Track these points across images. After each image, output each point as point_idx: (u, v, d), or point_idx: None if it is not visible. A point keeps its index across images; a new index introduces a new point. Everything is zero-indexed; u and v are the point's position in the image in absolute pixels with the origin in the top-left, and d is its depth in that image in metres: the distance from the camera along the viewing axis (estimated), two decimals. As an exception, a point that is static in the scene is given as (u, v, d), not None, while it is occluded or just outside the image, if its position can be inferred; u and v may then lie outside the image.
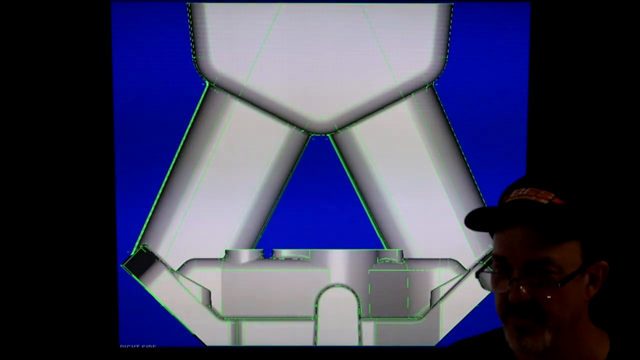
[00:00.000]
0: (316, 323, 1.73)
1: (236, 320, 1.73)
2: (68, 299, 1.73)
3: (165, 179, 1.69)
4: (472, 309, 1.72)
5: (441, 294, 1.73)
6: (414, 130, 1.68)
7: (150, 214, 1.69)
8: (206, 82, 1.67)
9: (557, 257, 0.82)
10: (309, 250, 1.71)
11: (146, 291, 1.72)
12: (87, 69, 1.65)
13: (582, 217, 0.83)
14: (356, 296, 1.73)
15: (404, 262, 1.72)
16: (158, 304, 1.72)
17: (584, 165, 1.68)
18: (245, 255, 1.72)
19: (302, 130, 1.69)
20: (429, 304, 1.73)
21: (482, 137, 1.68)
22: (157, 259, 1.71)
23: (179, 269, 1.72)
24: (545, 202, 0.83)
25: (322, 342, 1.74)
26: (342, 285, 1.73)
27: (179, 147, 1.68)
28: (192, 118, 1.67)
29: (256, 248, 1.71)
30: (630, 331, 0.90)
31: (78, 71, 1.66)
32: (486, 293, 1.72)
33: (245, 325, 1.73)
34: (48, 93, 1.67)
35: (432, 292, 1.73)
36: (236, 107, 1.68)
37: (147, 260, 1.71)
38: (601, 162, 1.69)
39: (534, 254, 0.82)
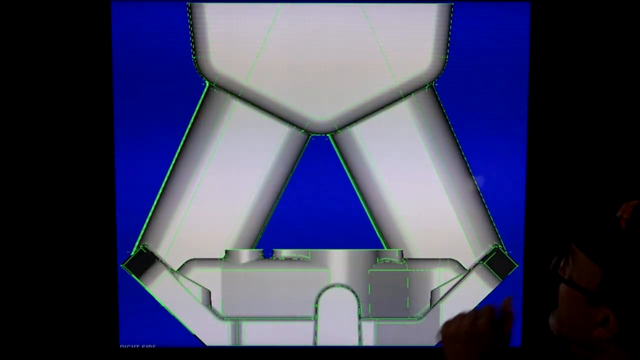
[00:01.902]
0: (316, 323, 1.73)
1: (236, 320, 1.74)
2: (68, 299, 1.73)
3: (165, 179, 1.69)
4: (472, 309, 1.72)
5: (441, 294, 1.73)
6: (414, 130, 1.68)
7: (150, 214, 1.69)
8: (206, 82, 1.67)
9: (577, 257, 0.84)
10: (309, 250, 1.71)
11: (146, 291, 1.72)
12: (87, 69, 1.65)
13: (615, 258, 0.80)
14: (356, 296, 1.73)
15: (404, 262, 1.72)
16: (158, 304, 1.72)
17: (583, 166, 1.69)
18: (245, 255, 1.72)
19: (302, 130, 1.69)
20: (429, 304, 1.73)
21: (482, 137, 1.68)
22: (157, 259, 1.71)
23: (179, 269, 1.72)
24: (618, 217, 0.83)
25: (322, 342, 1.74)
26: (342, 285, 1.73)
27: (179, 147, 1.68)
28: (192, 118, 1.67)
29: (256, 248, 1.71)
30: None
31: (78, 71, 1.66)
32: (486, 293, 1.73)
33: (245, 325, 1.73)
34: (48, 93, 1.67)
35: (432, 292, 1.73)
36: (236, 107, 1.68)
37: (147, 260, 1.71)
38: (601, 163, 1.69)
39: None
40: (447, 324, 1.00)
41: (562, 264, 0.88)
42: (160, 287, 1.72)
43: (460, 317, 1.00)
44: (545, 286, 0.90)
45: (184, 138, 1.68)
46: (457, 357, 0.97)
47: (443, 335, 0.99)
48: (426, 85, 1.67)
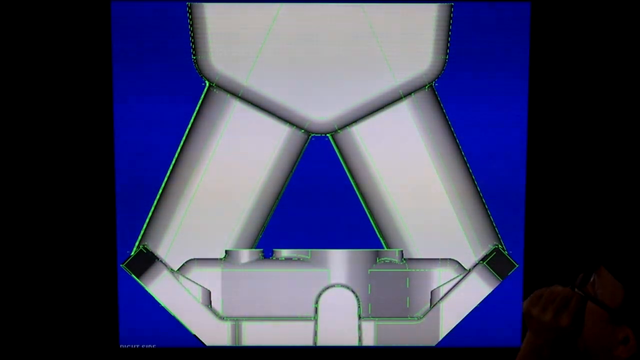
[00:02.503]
0: (316, 323, 1.73)
1: (236, 320, 1.74)
2: (68, 299, 1.73)
3: (165, 179, 1.69)
4: (472, 309, 1.73)
5: (441, 294, 1.73)
6: (414, 130, 1.68)
7: (150, 214, 1.69)
8: (206, 82, 1.67)
9: (602, 275, 0.85)
10: (309, 250, 1.71)
11: (146, 291, 1.72)
12: (86, 69, 1.65)
13: (638, 276, 0.82)
14: (356, 296, 1.73)
15: (404, 262, 1.72)
16: (158, 304, 1.72)
17: (583, 166, 1.69)
18: (245, 255, 1.72)
19: (302, 130, 1.69)
20: (429, 304, 1.73)
21: (482, 137, 1.68)
22: (157, 259, 1.71)
23: (179, 269, 1.72)
24: None
25: (322, 342, 1.74)
26: (342, 285, 1.73)
27: (179, 147, 1.68)
28: (192, 118, 1.67)
29: (256, 248, 1.71)
30: None
31: (77, 71, 1.66)
32: (486, 293, 1.73)
33: (245, 325, 1.73)
34: (47, 93, 1.67)
35: (432, 292, 1.73)
36: (236, 107, 1.68)
37: (147, 260, 1.71)
38: (601, 163, 1.69)
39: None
40: (533, 302, 0.98)
41: (590, 280, 0.88)
42: (160, 287, 1.72)
43: (547, 300, 0.96)
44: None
45: (184, 138, 1.68)
46: (535, 338, 0.97)
47: (526, 313, 0.99)
48: (426, 85, 1.67)
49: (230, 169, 1.68)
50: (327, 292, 1.73)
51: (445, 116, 1.67)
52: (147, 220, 1.70)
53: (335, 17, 1.64)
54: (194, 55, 1.65)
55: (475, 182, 1.69)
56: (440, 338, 1.74)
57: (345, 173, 1.69)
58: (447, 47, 1.65)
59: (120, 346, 1.73)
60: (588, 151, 1.69)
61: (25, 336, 1.74)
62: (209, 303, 1.73)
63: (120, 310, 1.72)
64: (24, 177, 1.69)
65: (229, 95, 1.68)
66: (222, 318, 1.73)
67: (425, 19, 1.64)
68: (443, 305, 1.73)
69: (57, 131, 1.68)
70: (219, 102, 1.67)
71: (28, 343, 1.74)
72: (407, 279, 1.72)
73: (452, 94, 1.67)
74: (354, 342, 1.74)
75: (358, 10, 1.64)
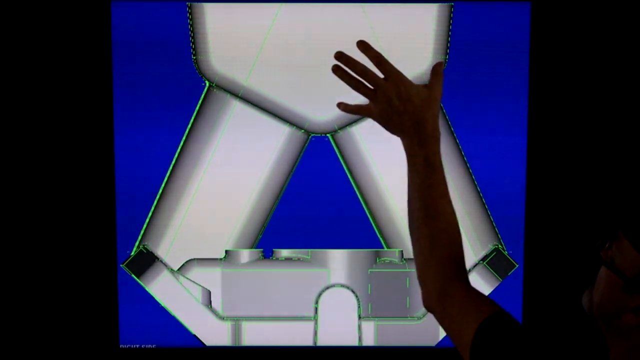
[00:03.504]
0: (316, 323, 1.73)
1: (236, 320, 1.74)
2: (68, 299, 1.73)
3: (165, 179, 1.69)
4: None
5: (441, 294, 1.72)
6: (414, 130, 1.68)
7: (150, 214, 1.69)
8: (206, 82, 1.67)
9: (622, 243, 0.84)
10: (309, 250, 1.71)
11: (146, 291, 1.72)
12: (86, 69, 1.65)
13: None
14: (356, 296, 1.73)
15: (404, 262, 1.72)
16: (158, 304, 1.72)
17: (583, 166, 1.69)
18: (245, 255, 1.72)
19: (302, 130, 1.69)
20: (429, 304, 1.73)
21: (482, 137, 1.68)
22: (157, 259, 1.71)
23: (179, 269, 1.72)
24: None
25: (322, 342, 1.74)
26: (342, 285, 1.73)
27: (179, 147, 1.68)
28: (192, 118, 1.67)
29: (256, 248, 1.71)
30: None
31: (77, 71, 1.66)
32: (486, 293, 1.73)
33: (245, 325, 1.73)
34: (47, 93, 1.67)
35: (432, 292, 1.72)
36: (236, 107, 1.68)
37: (147, 260, 1.71)
38: (601, 163, 1.69)
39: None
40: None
41: (606, 246, 0.88)
42: (160, 287, 1.72)
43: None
44: (584, 265, 0.91)
45: (184, 138, 1.68)
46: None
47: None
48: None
49: (230, 169, 1.68)
50: (327, 292, 1.73)
51: (445, 116, 1.67)
52: (147, 220, 1.70)
53: (335, 17, 1.64)
54: (194, 55, 1.65)
55: (475, 182, 1.69)
56: (440, 338, 1.74)
57: (345, 173, 1.69)
58: (447, 47, 1.65)
59: (120, 346, 1.73)
60: (588, 151, 1.69)
61: (25, 336, 1.74)
62: (209, 303, 1.73)
63: (120, 310, 1.72)
64: (23, 178, 1.69)
65: (229, 95, 1.68)
66: (222, 318, 1.73)
67: (425, 19, 1.64)
68: (443, 305, 1.73)
69: (57, 131, 1.68)
70: (219, 102, 1.67)
71: (28, 343, 1.74)
72: (407, 279, 1.72)
73: (452, 94, 1.67)
74: (354, 342, 1.74)
75: (358, 10, 1.64)
